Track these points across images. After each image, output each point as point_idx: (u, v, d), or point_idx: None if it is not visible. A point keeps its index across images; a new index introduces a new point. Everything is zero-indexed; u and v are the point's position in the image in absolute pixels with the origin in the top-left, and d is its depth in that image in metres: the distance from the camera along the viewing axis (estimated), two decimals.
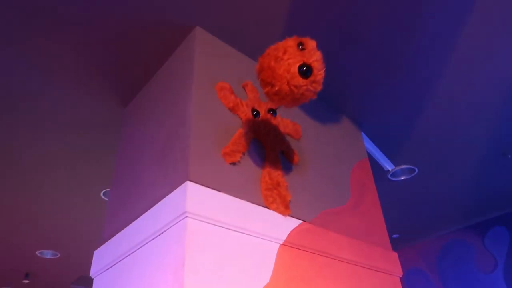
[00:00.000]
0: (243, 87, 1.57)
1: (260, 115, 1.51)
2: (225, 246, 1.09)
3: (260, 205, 1.27)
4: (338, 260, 1.41)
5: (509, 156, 2.48)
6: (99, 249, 1.42)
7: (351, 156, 1.93)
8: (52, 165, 2.34)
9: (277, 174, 1.40)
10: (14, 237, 3.17)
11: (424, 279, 3.70)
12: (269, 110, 1.58)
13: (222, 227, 1.11)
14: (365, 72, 1.87)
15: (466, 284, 3.40)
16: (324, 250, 1.37)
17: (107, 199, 2.69)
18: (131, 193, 1.43)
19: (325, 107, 1.98)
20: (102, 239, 1.47)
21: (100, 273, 1.35)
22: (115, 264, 1.27)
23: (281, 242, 1.25)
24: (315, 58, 1.07)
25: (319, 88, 1.09)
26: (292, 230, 1.31)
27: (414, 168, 2.63)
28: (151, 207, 1.20)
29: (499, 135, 2.39)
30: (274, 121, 1.56)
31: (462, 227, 3.58)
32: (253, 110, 1.50)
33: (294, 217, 1.35)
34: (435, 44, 1.74)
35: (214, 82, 1.45)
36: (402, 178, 2.72)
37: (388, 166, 2.58)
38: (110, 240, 1.36)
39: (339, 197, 1.65)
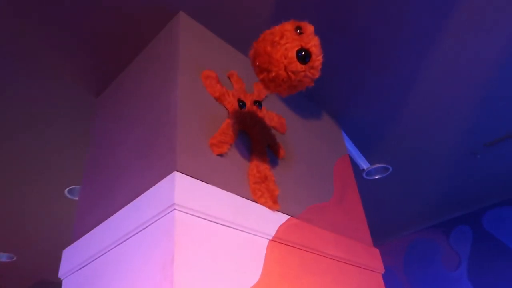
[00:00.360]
0: (229, 77, 1.50)
1: (246, 107, 1.45)
2: (214, 241, 1.01)
3: (248, 199, 1.21)
4: (325, 256, 1.38)
5: (478, 156, 2.57)
6: (69, 247, 1.30)
7: (333, 152, 1.92)
8: (8, 159, 2.15)
9: (265, 168, 1.35)
10: None
11: (391, 277, 3.78)
12: (254, 102, 1.52)
13: (211, 221, 1.04)
14: (347, 66, 1.86)
15: (432, 281, 3.50)
16: (312, 246, 1.33)
17: (71, 197, 2.51)
18: (107, 187, 1.31)
19: (307, 102, 1.95)
20: (72, 237, 1.35)
21: (71, 274, 1.23)
22: (89, 263, 1.15)
23: (270, 238, 1.19)
24: (314, 43, 1.03)
25: (317, 74, 1.05)
26: (281, 226, 1.25)
27: (389, 167, 2.67)
28: (133, 200, 1.11)
29: (469, 136, 2.46)
30: (260, 114, 1.50)
31: (428, 226, 3.69)
32: (239, 101, 1.44)
33: (282, 212, 1.30)
34: (419, 43, 1.76)
35: (199, 70, 1.37)
36: (376, 177, 2.75)
37: (364, 164, 2.59)
38: (83, 237, 1.24)
39: (324, 193, 1.62)
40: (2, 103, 1.78)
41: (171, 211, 0.96)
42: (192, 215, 0.99)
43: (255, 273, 1.07)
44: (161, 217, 0.97)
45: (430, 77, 1.96)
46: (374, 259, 1.63)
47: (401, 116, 2.24)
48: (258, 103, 1.53)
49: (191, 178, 1.05)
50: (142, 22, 1.50)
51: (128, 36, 1.54)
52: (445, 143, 2.51)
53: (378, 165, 2.64)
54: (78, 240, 1.25)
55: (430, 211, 3.43)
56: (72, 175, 2.36)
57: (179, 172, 1.02)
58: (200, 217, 1.01)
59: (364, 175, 2.69)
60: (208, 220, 1.03)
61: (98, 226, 1.18)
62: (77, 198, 2.52)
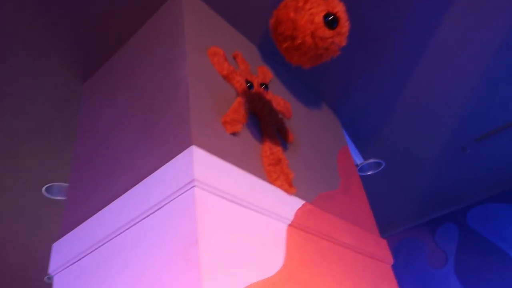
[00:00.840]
0: (234, 58, 1.42)
1: (254, 88, 1.37)
2: (235, 222, 0.92)
3: (265, 181, 1.12)
4: (340, 244, 1.30)
5: (468, 151, 2.59)
6: (61, 239, 1.15)
7: (335, 142, 1.86)
8: None
9: (277, 150, 1.26)
10: None
11: None
12: (261, 84, 1.44)
13: (231, 200, 0.94)
14: (345, 57, 1.81)
15: (419, 280, 3.50)
16: (327, 233, 1.25)
17: (50, 196, 2.32)
18: (105, 172, 1.18)
19: (307, 91, 1.89)
20: (62, 229, 1.20)
21: (65, 268, 1.08)
22: (88, 254, 1.02)
23: (289, 222, 1.10)
24: (340, 8, 0.96)
25: (343, 42, 0.98)
26: (298, 210, 1.17)
27: (381, 162, 2.64)
28: (140, 181, 0.99)
29: (460, 131, 2.47)
30: (267, 96, 1.42)
31: (415, 225, 3.70)
32: (247, 81, 1.35)
33: (297, 197, 1.21)
34: (417, 36, 1.74)
35: (205, 47, 1.28)
36: (369, 173, 2.71)
37: (358, 160, 2.56)
38: (79, 226, 1.10)
39: (331, 181, 1.55)
40: None
41: (190, 188, 0.85)
42: (212, 193, 0.89)
43: (278, 259, 0.97)
44: (178, 196, 0.86)
45: (426, 70, 1.95)
46: (383, 250, 1.57)
47: (396, 109, 2.22)
48: (265, 85, 1.45)
49: (209, 154, 0.95)
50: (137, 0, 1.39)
51: (122, 15, 1.43)
52: (436, 137, 2.51)
53: (371, 160, 2.60)
54: (73, 231, 1.11)
55: (418, 209, 3.43)
56: (51, 172, 2.17)
57: (196, 146, 0.92)
58: (220, 196, 0.91)
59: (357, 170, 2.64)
60: (228, 200, 0.93)
61: (98, 213, 1.05)
62: (56, 197, 2.33)
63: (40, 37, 1.45)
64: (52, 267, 1.13)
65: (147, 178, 0.96)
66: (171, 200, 0.87)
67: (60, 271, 1.10)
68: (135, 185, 0.99)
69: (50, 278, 3.33)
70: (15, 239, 2.65)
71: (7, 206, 2.36)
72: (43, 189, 2.28)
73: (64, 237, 1.15)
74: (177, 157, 0.92)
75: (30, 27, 1.41)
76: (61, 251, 1.12)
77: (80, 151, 1.40)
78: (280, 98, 1.51)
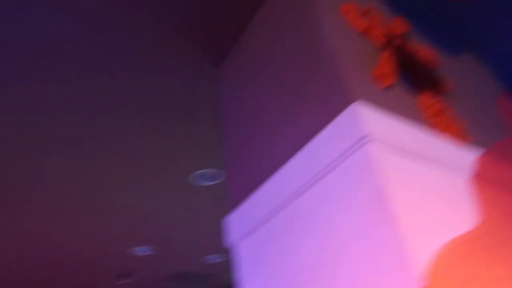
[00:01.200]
0: (366, 12, 1.32)
1: (394, 40, 1.26)
2: (417, 176, 0.84)
3: (435, 132, 1.02)
4: None
5: None
6: (236, 210, 1.21)
7: (490, 88, 1.62)
8: (135, 152, 2.16)
9: (437, 100, 1.14)
10: (104, 235, 3.04)
11: None
12: (400, 36, 1.32)
13: (408, 154, 0.87)
14: None
15: None
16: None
17: (196, 183, 2.54)
18: (265, 142, 1.21)
19: (448, 36, 1.68)
20: (232, 200, 1.28)
21: (246, 236, 1.14)
22: (269, 220, 1.05)
23: (472, 174, 0.98)
24: None
25: None
26: (479, 160, 1.03)
27: None
28: (307, 142, 0.98)
29: None
30: (410, 47, 1.30)
31: None
32: (386, 34, 1.25)
33: (473, 146, 1.08)
34: None
35: (337, 5, 1.22)
36: None
37: None
38: (252, 195, 1.15)
39: (500, 130, 1.35)
40: (114, 96, 1.80)
41: (364, 143, 0.81)
42: (388, 147, 0.84)
43: (470, 212, 0.87)
44: (353, 152, 0.83)
45: None
46: None
47: None
48: (405, 36, 1.32)
49: (373, 109, 0.89)
50: None
51: None
52: None
53: None
54: (246, 201, 1.17)
55: None
56: (194, 160, 2.33)
57: (358, 102, 0.88)
58: (396, 150, 0.85)
59: None
60: (404, 153, 0.86)
61: (269, 180, 1.07)
62: (201, 184, 2.54)
63: (173, 32, 1.55)
64: (232, 237, 1.20)
65: (314, 139, 0.95)
66: (346, 158, 0.84)
67: (240, 241, 1.17)
68: (302, 148, 0.99)
69: (215, 257, 3.61)
70: (171, 228, 2.96)
71: (160, 197, 2.62)
72: (189, 177, 2.48)
73: (237, 209, 1.21)
74: (342, 114, 0.89)
75: (162, 26, 1.52)
76: (238, 222, 1.19)
77: (231, 129, 1.47)
78: (424, 47, 1.37)
